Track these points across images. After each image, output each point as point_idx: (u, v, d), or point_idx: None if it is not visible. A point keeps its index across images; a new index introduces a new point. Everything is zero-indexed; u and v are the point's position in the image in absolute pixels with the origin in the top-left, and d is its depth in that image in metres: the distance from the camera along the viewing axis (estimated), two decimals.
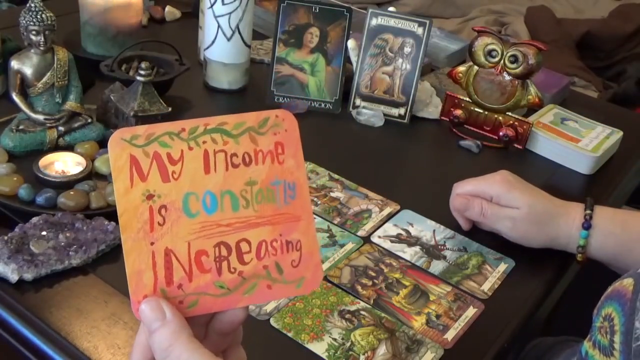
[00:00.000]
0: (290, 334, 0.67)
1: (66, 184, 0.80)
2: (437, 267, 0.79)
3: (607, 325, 0.56)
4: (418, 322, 0.71)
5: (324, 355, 0.65)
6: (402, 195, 0.90)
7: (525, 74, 1.02)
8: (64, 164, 0.84)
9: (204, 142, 0.45)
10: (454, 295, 0.75)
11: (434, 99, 1.14)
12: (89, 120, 0.90)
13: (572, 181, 1.02)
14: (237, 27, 1.07)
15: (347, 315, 0.70)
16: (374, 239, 0.82)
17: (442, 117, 1.11)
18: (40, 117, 0.86)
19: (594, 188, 1.00)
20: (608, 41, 2.31)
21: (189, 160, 0.45)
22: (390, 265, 0.78)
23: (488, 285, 0.77)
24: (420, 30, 1.06)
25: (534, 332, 0.88)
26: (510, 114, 1.06)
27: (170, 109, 0.86)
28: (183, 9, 1.38)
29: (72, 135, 0.88)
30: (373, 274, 0.76)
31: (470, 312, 0.73)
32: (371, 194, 0.90)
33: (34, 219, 0.73)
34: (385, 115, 1.09)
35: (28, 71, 0.85)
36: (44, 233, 0.71)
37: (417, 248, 0.82)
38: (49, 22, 0.84)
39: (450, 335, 0.70)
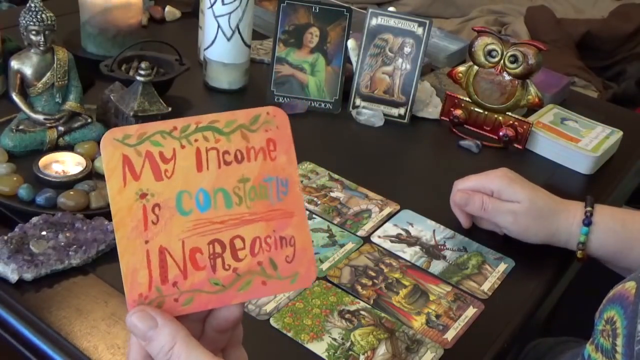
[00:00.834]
0: (290, 334, 0.67)
1: (66, 184, 0.80)
2: (437, 267, 0.79)
3: (609, 329, 0.56)
4: (418, 322, 0.71)
5: (323, 355, 0.65)
6: (402, 195, 0.90)
7: (525, 74, 1.02)
8: (63, 164, 0.84)
9: (196, 140, 0.45)
10: (454, 295, 0.75)
11: (433, 99, 1.14)
12: (89, 120, 0.90)
13: (572, 181, 1.02)
14: (237, 27, 1.07)
15: (347, 315, 0.70)
16: (374, 239, 0.82)
17: (442, 117, 1.11)
18: (40, 117, 0.86)
19: (594, 188, 1.00)
20: (608, 41, 2.31)
21: (182, 158, 0.45)
22: (390, 265, 0.78)
23: (488, 285, 0.77)
24: (420, 30, 1.06)
25: (534, 332, 0.88)
26: (510, 114, 1.06)
27: (170, 109, 0.86)
28: (183, 9, 1.38)
29: (72, 135, 0.88)
30: (373, 274, 0.76)
31: (470, 312, 0.73)
32: (371, 194, 0.90)
33: (34, 219, 0.73)
34: (385, 115, 1.09)
35: (28, 71, 0.85)
36: (43, 233, 0.71)
37: (417, 248, 0.82)
38: (49, 22, 0.84)
39: (450, 335, 0.70)
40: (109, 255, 0.73)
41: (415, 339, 0.69)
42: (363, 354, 0.66)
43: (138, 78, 0.84)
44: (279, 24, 1.07)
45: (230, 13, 1.06)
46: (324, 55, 1.09)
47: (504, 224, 0.82)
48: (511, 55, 1.02)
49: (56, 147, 0.87)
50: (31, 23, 0.83)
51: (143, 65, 0.84)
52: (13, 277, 0.67)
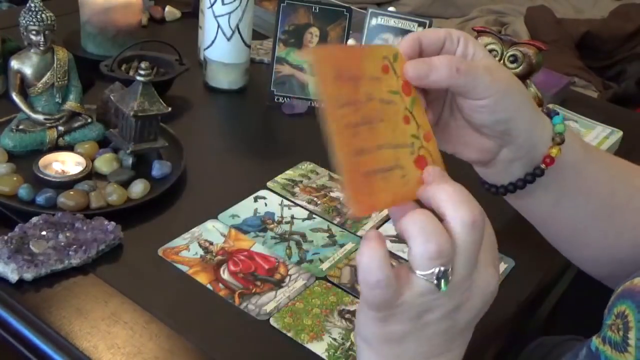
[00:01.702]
0: (290, 334, 0.67)
1: (66, 184, 0.80)
2: None
3: (619, 322, 0.56)
4: None
5: (323, 355, 0.65)
6: None
7: (525, 74, 1.02)
8: (63, 164, 0.84)
9: None
10: None
11: None
12: (89, 120, 0.90)
13: None
14: (237, 27, 1.07)
15: (347, 315, 0.70)
16: None
17: None
18: (40, 117, 0.86)
19: None
20: (608, 41, 2.31)
21: None
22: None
23: None
24: (420, 30, 1.06)
25: (534, 332, 0.88)
26: None
27: (170, 108, 0.87)
28: (183, 9, 1.38)
29: (72, 135, 0.88)
30: None
31: None
32: None
33: (34, 219, 0.73)
34: None
35: (28, 71, 0.85)
36: (43, 233, 0.71)
37: None
38: (49, 22, 0.84)
39: None
40: (109, 255, 0.73)
41: None
42: None
43: (138, 78, 0.84)
44: (279, 24, 1.07)
45: (230, 13, 1.06)
46: None
47: (482, 87, 0.53)
48: (511, 55, 1.02)
49: (56, 147, 0.87)
50: (31, 23, 0.83)
51: (143, 65, 0.84)
52: (13, 277, 0.67)
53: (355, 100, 0.46)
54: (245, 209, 0.84)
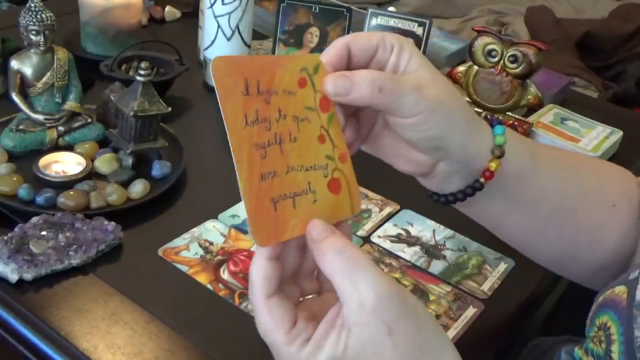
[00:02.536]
0: None
1: (66, 184, 0.80)
2: (436, 267, 0.79)
3: (602, 334, 0.54)
4: None
5: None
6: (402, 195, 0.90)
7: (525, 74, 1.02)
8: (63, 164, 0.84)
9: None
10: (454, 295, 0.75)
11: None
12: (89, 120, 0.90)
13: None
14: (237, 27, 1.07)
15: None
16: (374, 238, 0.82)
17: None
18: (40, 117, 0.86)
19: None
20: (608, 41, 2.31)
21: None
22: (390, 265, 0.78)
23: (488, 285, 0.77)
24: (420, 30, 1.06)
25: (534, 332, 0.88)
26: (510, 114, 1.06)
27: (170, 108, 0.87)
28: (183, 9, 1.38)
29: (72, 135, 0.88)
30: None
31: (470, 312, 0.73)
32: (371, 194, 0.90)
33: (34, 219, 0.73)
34: None
35: (28, 71, 0.85)
36: (43, 233, 0.71)
37: (417, 248, 0.82)
38: (49, 22, 0.84)
39: (450, 335, 0.70)
40: (109, 255, 0.73)
41: None
42: None
43: (138, 78, 0.84)
44: (279, 24, 1.07)
45: (230, 13, 1.06)
46: None
47: (408, 106, 0.50)
48: (511, 55, 1.02)
49: (56, 147, 0.87)
50: (31, 23, 0.83)
51: (143, 65, 0.84)
52: (13, 277, 0.67)
53: (265, 117, 0.43)
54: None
